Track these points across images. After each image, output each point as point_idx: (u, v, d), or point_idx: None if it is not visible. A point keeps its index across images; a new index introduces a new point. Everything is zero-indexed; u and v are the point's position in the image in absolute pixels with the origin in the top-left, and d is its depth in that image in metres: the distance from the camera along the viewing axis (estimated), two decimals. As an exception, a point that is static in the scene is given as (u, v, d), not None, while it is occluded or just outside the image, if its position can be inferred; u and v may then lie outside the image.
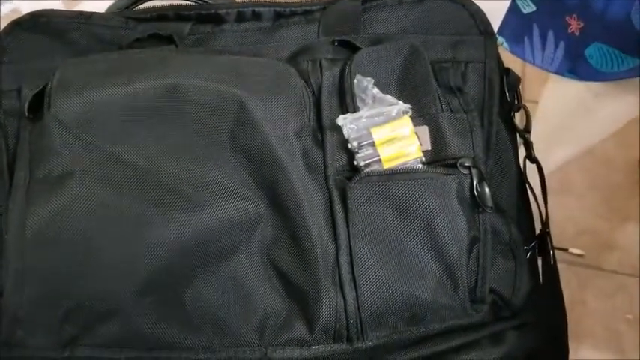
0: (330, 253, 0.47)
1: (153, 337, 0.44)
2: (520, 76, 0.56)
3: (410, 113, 0.49)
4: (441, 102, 0.51)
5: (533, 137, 0.55)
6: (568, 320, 0.53)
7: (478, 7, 0.55)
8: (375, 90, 0.49)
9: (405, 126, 0.49)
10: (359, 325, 0.46)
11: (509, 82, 0.55)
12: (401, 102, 0.49)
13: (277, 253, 0.47)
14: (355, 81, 0.50)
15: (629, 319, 1.17)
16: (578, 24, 0.73)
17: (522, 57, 0.82)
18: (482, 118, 0.52)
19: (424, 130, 0.50)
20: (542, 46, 0.79)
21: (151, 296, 0.44)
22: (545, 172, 0.55)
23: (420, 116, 0.50)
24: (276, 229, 0.48)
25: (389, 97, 0.49)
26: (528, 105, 0.55)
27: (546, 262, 0.53)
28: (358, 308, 0.46)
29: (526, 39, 0.81)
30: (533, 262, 0.53)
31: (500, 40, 0.82)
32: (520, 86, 0.56)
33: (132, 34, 0.54)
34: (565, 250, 1.24)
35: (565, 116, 0.92)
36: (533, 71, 0.84)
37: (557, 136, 0.95)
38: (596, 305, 1.19)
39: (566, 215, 1.28)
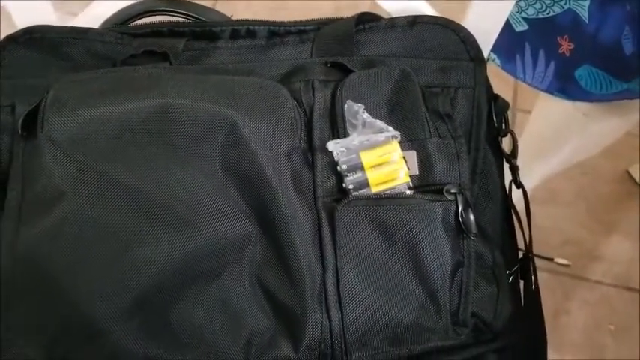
0: (316, 274, 0.48)
1: (139, 356, 0.44)
2: (513, 84, 0.56)
3: (399, 139, 0.50)
4: (429, 128, 0.52)
5: (523, 148, 0.56)
6: (552, 330, 0.53)
7: (469, 33, 0.56)
8: (366, 115, 0.50)
9: (393, 151, 0.50)
10: (343, 345, 0.47)
11: (498, 107, 0.56)
12: (391, 127, 0.50)
13: (265, 272, 0.48)
14: (346, 106, 0.51)
15: (611, 330, 1.19)
16: (569, 45, 0.74)
17: (514, 74, 0.83)
18: (470, 143, 0.53)
19: (412, 155, 0.51)
20: (534, 64, 0.80)
21: (139, 316, 0.44)
22: (531, 184, 0.56)
23: (408, 141, 0.51)
24: (264, 248, 0.48)
25: (379, 122, 0.50)
26: (521, 115, 0.56)
27: (528, 285, 0.54)
28: (343, 329, 0.47)
29: (517, 56, 0.82)
30: (515, 285, 0.54)
31: (492, 56, 0.83)
32: (509, 112, 0.57)
33: (127, 49, 0.54)
34: (551, 259, 1.25)
35: (555, 131, 0.93)
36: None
37: (545, 150, 0.96)
38: (579, 315, 1.21)
39: (552, 224, 1.30)
